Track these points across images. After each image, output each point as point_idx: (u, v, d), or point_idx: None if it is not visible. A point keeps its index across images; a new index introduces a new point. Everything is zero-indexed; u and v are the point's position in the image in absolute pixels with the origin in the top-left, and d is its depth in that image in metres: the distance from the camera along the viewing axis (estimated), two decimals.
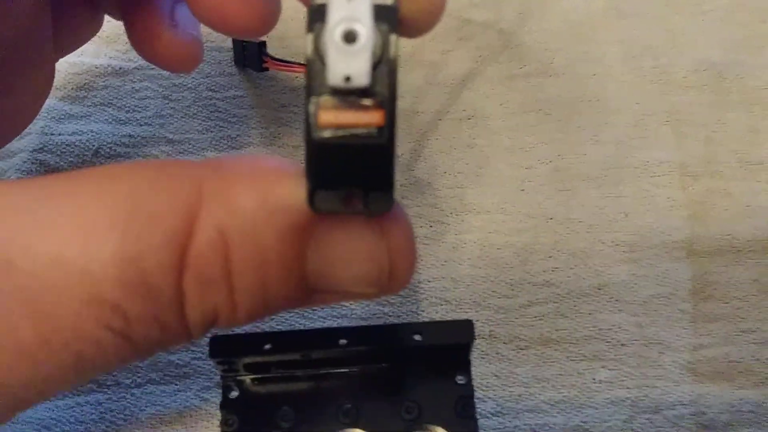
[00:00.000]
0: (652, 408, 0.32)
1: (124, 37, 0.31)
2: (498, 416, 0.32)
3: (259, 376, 0.26)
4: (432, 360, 0.26)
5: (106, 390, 0.32)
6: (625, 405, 0.32)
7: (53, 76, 0.31)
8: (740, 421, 0.31)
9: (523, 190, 0.36)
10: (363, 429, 0.26)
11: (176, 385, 0.32)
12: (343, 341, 0.25)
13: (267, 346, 0.25)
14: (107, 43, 0.40)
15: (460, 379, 0.26)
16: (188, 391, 0.32)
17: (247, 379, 0.26)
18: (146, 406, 0.32)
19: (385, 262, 0.20)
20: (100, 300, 0.18)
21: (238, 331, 0.25)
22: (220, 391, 0.32)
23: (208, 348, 0.25)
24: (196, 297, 0.19)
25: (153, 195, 0.18)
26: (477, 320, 0.33)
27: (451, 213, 0.36)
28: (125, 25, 0.31)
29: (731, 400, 0.32)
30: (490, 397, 0.32)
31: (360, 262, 0.20)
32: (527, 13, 0.40)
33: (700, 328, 0.33)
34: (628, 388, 0.32)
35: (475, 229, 0.35)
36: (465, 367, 0.26)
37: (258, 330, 0.26)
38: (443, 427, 0.26)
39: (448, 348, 0.25)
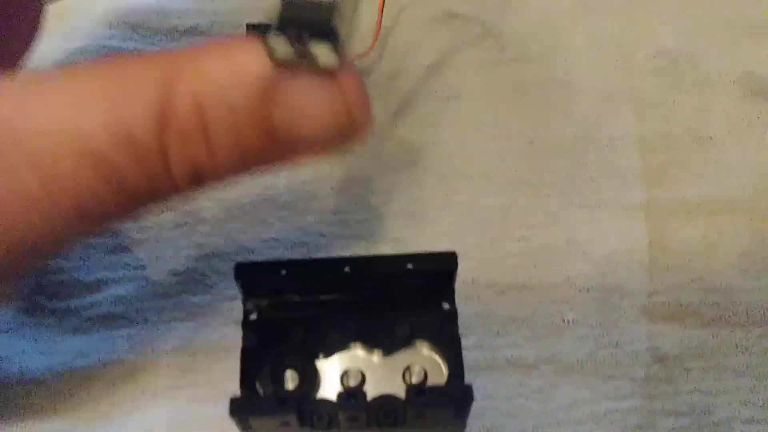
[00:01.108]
0: (613, 344, 0.35)
1: None
2: (478, 349, 0.35)
3: (275, 300, 0.29)
4: (422, 288, 0.29)
5: (136, 325, 0.35)
6: (588, 341, 0.35)
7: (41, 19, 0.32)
8: (689, 355, 0.35)
9: (502, 159, 0.39)
10: (363, 343, 0.29)
11: (198, 322, 0.36)
12: (347, 269, 0.28)
13: (283, 271, 0.28)
14: None
15: (446, 305, 0.29)
16: (208, 328, 0.35)
17: (265, 303, 0.29)
18: (171, 340, 0.35)
19: (342, 108, 0.22)
20: (93, 154, 0.21)
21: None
22: (238, 328, 0.35)
23: (233, 272, 0.28)
24: (178, 151, 0.21)
25: (136, 72, 0.21)
26: (461, 269, 0.36)
27: (440, 178, 0.39)
28: None
29: (681, 338, 0.35)
30: (472, 333, 0.35)
31: (319, 110, 0.22)
32: (507, 6, 0.43)
33: (655, 278, 0.36)
34: (592, 327, 0.35)
35: (461, 192, 0.39)
36: (450, 295, 0.29)
37: (274, 260, 0.29)
38: (431, 342, 0.29)
39: (436, 274, 0.29)
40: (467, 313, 0.35)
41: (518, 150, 0.40)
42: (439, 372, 0.29)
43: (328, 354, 0.29)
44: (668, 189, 0.38)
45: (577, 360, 0.35)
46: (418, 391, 0.26)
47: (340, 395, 0.26)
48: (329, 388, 0.29)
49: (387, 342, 0.29)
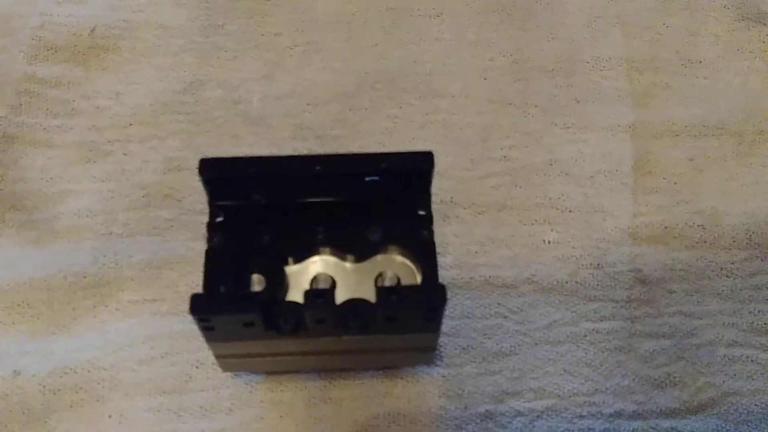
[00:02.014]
0: (594, 265, 0.33)
1: None
2: (456, 268, 0.33)
3: (243, 202, 0.27)
4: (397, 194, 0.27)
5: (100, 237, 0.33)
6: (570, 262, 0.33)
7: None
8: (672, 277, 0.33)
9: (485, 78, 0.37)
10: (334, 249, 0.27)
11: (165, 236, 0.33)
12: (318, 168, 0.26)
13: (250, 168, 0.26)
14: None
15: (421, 212, 0.27)
16: (175, 242, 0.33)
17: (232, 205, 0.27)
18: (136, 253, 0.33)
19: None
20: None
21: (224, 155, 0.26)
22: (204, 243, 0.33)
23: (198, 168, 0.25)
24: None
25: None
26: (440, 189, 0.34)
27: (420, 96, 0.37)
28: None
29: (665, 260, 0.33)
30: (449, 253, 0.33)
31: None
32: None
33: (640, 199, 0.34)
34: (573, 247, 0.33)
35: (441, 110, 0.36)
36: (426, 201, 0.27)
37: (242, 155, 0.26)
38: (404, 247, 0.27)
39: (411, 174, 0.26)
40: (445, 233, 0.33)
41: (501, 69, 0.37)
42: (413, 280, 0.27)
43: (298, 259, 0.27)
44: (655, 111, 0.36)
45: (557, 280, 0.32)
46: (390, 292, 0.24)
47: (307, 294, 0.24)
48: (298, 295, 0.26)
49: (359, 248, 0.27)
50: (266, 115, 0.36)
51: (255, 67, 0.37)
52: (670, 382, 0.31)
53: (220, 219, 0.27)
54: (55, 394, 0.30)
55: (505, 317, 0.32)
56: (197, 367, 0.30)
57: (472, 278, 0.32)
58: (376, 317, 0.24)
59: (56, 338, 0.31)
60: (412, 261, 0.27)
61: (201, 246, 0.30)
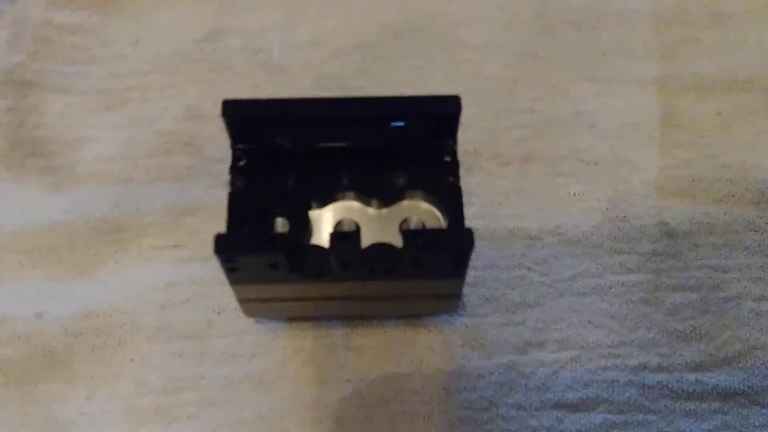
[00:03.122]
0: (620, 217, 0.32)
1: None
2: (480, 219, 0.32)
3: (266, 146, 0.26)
4: (423, 138, 0.26)
5: (120, 183, 0.32)
6: (595, 213, 0.32)
7: None
8: (699, 231, 0.32)
9: (510, 30, 0.36)
10: (359, 194, 0.26)
11: (185, 183, 0.32)
12: (343, 111, 0.25)
13: (275, 110, 0.25)
14: None
15: (447, 158, 0.26)
16: (196, 189, 0.32)
17: (255, 148, 0.26)
18: (158, 200, 0.32)
19: None
20: None
21: (247, 97, 0.25)
22: (225, 190, 0.32)
23: (220, 109, 0.25)
24: None
25: None
26: (464, 139, 0.33)
27: (443, 47, 0.36)
28: None
29: (692, 213, 0.32)
30: (473, 203, 0.32)
31: None
32: None
33: (667, 153, 0.33)
34: (599, 200, 0.32)
35: (466, 62, 0.35)
36: (452, 146, 0.26)
37: (265, 98, 0.26)
38: (430, 193, 0.26)
39: (438, 118, 0.25)
40: (470, 183, 0.33)
41: (527, 21, 0.36)
42: (437, 225, 0.26)
43: (322, 204, 0.26)
44: (682, 65, 0.35)
45: (582, 233, 0.32)
46: (416, 235, 0.23)
47: (333, 237, 0.23)
48: (323, 240, 0.26)
49: (384, 193, 0.26)
50: (287, 65, 0.35)
51: (275, 17, 0.36)
52: (696, 335, 0.30)
53: (242, 162, 0.26)
54: (76, 337, 0.29)
55: (529, 268, 0.31)
56: (219, 314, 0.30)
57: (496, 229, 0.32)
58: (402, 261, 0.24)
59: (78, 282, 0.30)
60: (437, 207, 0.26)
61: (221, 194, 0.29)
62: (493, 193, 0.32)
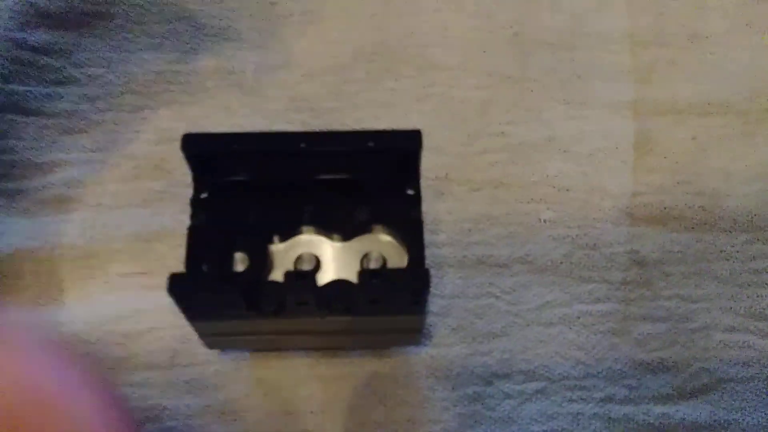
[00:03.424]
0: (590, 245, 0.32)
1: None
2: (449, 246, 0.32)
3: (227, 179, 0.26)
4: (385, 172, 0.26)
5: (89, 209, 0.32)
6: (565, 242, 0.32)
7: None
8: (670, 259, 0.31)
9: (484, 51, 0.36)
10: (320, 228, 0.26)
11: (154, 208, 0.32)
12: (303, 144, 0.25)
13: (234, 145, 0.25)
14: None
15: (410, 191, 0.26)
16: (165, 215, 0.32)
17: (216, 181, 0.26)
18: (125, 226, 0.32)
19: None
20: None
21: (208, 130, 0.25)
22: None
23: (180, 143, 0.25)
24: None
25: None
26: (435, 164, 0.33)
27: (417, 69, 0.35)
28: None
29: (663, 241, 0.32)
30: (442, 230, 0.32)
31: None
32: None
33: (640, 179, 0.33)
34: (569, 227, 0.32)
35: (439, 83, 0.35)
36: (414, 180, 0.26)
37: (226, 132, 0.25)
38: (392, 227, 0.26)
39: (399, 154, 0.25)
40: (439, 209, 0.32)
41: (501, 42, 0.36)
42: (399, 260, 0.26)
43: (283, 238, 0.26)
44: (658, 88, 0.35)
45: (551, 261, 0.31)
46: (372, 275, 0.23)
47: (288, 276, 0.23)
48: (281, 275, 0.26)
49: (345, 227, 0.26)
50: (260, 87, 0.35)
51: (249, 37, 0.36)
52: (664, 366, 0.30)
53: (203, 195, 0.26)
54: None
55: (497, 297, 0.31)
56: (183, 343, 0.30)
57: (464, 256, 0.32)
58: (359, 300, 0.23)
59: (46, 311, 0.30)
60: (399, 241, 0.26)
61: (188, 220, 0.29)
62: (462, 220, 0.32)
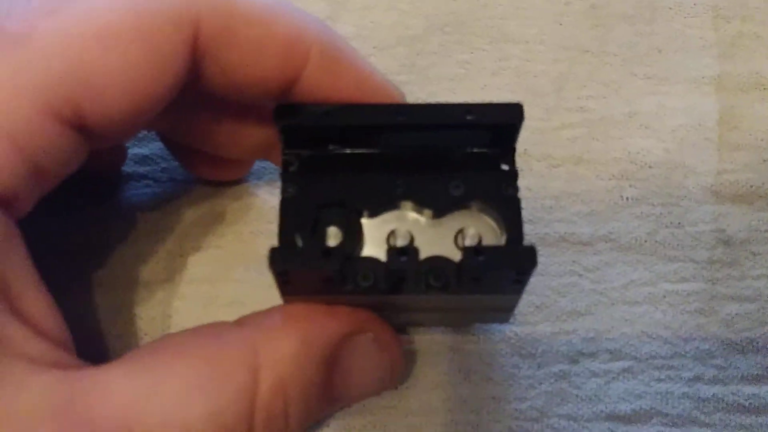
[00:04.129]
0: (675, 223, 0.31)
1: None
2: (529, 224, 0.31)
3: (318, 151, 0.26)
4: (480, 147, 0.25)
5: (161, 184, 0.32)
6: (649, 220, 0.31)
7: None
8: (757, 239, 0.31)
9: (560, 24, 0.35)
10: (413, 203, 0.26)
11: (227, 183, 0.32)
12: (400, 118, 0.24)
13: (328, 116, 0.24)
14: None
15: (505, 167, 0.26)
16: (239, 189, 0.32)
17: (306, 153, 0.26)
18: (198, 200, 0.32)
19: (387, 369, 0.26)
20: None
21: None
22: (270, 191, 0.32)
23: (272, 114, 0.24)
24: None
25: (223, 358, 0.22)
26: None
27: (491, 42, 0.35)
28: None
29: (750, 220, 0.31)
30: (523, 207, 0.31)
31: (371, 372, 0.26)
32: None
33: (725, 156, 0.32)
34: (653, 205, 0.32)
35: (514, 57, 0.35)
36: (510, 155, 0.26)
37: (319, 103, 0.25)
38: (487, 204, 0.25)
39: (498, 127, 0.25)
40: (520, 186, 0.32)
41: (578, 14, 0.35)
42: (494, 237, 0.26)
43: (374, 213, 0.26)
44: (742, 62, 0.34)
45: (636, 239, 0.31)
46: (476, 252, 0.23)
47: (390, 252, 0.23)
48: (374, 250, 0.25)
49: (439, 202, 0.25)
50: None
51: (319, 8, 0.36)
52: (753, 347, 0.29)
53: (293, 168, 0.26)
54: None
55: (581, 275, 0.30)
56: None
57: (546, 234, 0.31)
58: (461, 277, 0.23)
59: (124, 293, 0.30)
60: (494, 219, 0.26)
61: (265, 193, 0.29)
62: (543, 197, 0.32)
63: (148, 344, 0.24)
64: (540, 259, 0.30)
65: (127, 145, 0.32)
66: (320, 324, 0.24)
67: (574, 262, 0.31)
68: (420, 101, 0.34)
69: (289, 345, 0.23)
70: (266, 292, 0.28)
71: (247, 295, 0.30)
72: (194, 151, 0.29)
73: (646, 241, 0.31)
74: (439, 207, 0.26)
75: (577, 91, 0.34)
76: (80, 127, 0.22)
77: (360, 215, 0.26)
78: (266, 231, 0.31)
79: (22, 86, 0.20)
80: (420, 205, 0.26)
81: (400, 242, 0.26)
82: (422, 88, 0.34)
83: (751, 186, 0.32)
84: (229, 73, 0.23)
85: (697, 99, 0.34)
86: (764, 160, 0.32)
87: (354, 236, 0.25)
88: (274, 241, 0.24)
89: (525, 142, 0.32)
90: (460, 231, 0.26)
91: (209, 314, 0.29)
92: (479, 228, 0.26)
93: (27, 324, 0.21)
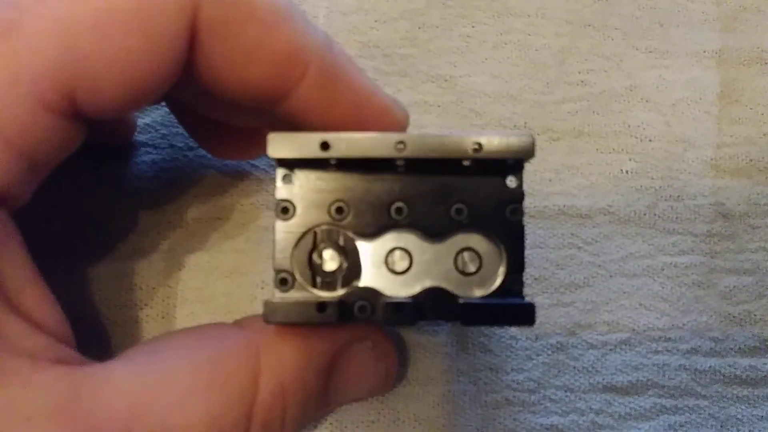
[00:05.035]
0: (674, 197, 0.32)
1: None
2: (530, 196, 0.32)
3: (315, 172, 0.25)
4: (485, 174, 0.25)
5: (161, 151, 0.32)
6: (648, 193, 0.32)
7: None
8: (756, 212, 0.31)
9: None
10: (412, 224, 0.25)
11: None
12: (403, 150, 0.24)
13: (326, 150, 0.24)
14: None
15: (511, 181, 0.25)
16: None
17: (303, 174, 0.25)
18: (200, 168, 0.32)
19: (382, 373, 0.26)
20: None
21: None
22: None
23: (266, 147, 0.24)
24: None
25: (225, 361, 0.22)
26: (513, 113, 0.33)
27: (494, 15, 0.35)
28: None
29: (749, 194, 0.32)
30: (522, 180, 0.32)
31: (366, 376, 0.26)
32: None
33: (725, 129, 0.33)
34: (652, 178, 0.32)
35: (516, 30, 0.35)
36: (518, 170, 0.25)
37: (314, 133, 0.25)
38: (489, 226, 0.25)
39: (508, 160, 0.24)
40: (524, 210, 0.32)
41: None
42: (494, 259, 0.25)
43: (374, 234, 0.25)
44: (744, 36, 0.34)
45: (635, 212, 0.31)
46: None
47: (385, 279, 0.23)
48: (372, 271, 0.25)
49: (439, 224, 0.25)
50: (332, 32, 0.35)
51: None
52: (750, 319, 0.30)
53: (290, 187, 0.25)
54: None
55: (579, 248, 0.31)
56: (262, 288, 0.30)
57: (545, 207, 0.32)
58: (457, 315, 0.24)
59: (123, 259, 0.31)
60: (496, 242, 0.25)
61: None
62: (543, 169, 0.32)
63: (150, 341, 0.24)
64: (539, 231, 0.31)
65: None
66: (321, 332, 0.24)
67: (573, 234, 0.31)
68: (420, 74, 0.34)
69: (290, 352, 0.23)
70: (265, 263, 0.29)
71: (247, 265, 0.30)
72: (203, 121, 0.29)
73: (645, 214, 0.31)
74: (440, 230, 0.25)
75: (579, 65, 0.34)
76: (75, 114, 0.21)
77: (359, 236, 0.25)
78: (266, 202, 0.31)
79: (12, 79, 0.20)
80: (419, 228, 0.25)
81: (399, 264, 0.25)
82: (424, 62, 0.34)
83: (751, 160, 0.32)
84: (218, 70, 0.22)
85: (698, 73, 0.34)
86: (764, 134, 0.33)
87: (351, 259, 0.25)
88: (273, 215, 0.24)
89: (524, 115, 0.33)
90: (460, 252, 0.25)
91: (209, 285, 0.30)
92: (480, 248, 0.25)
93: (26, 320, 0.21)
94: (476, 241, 0.25)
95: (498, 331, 0.30)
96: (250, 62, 0.22)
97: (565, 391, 0.29)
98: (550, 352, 0.29)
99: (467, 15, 0.35)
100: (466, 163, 0.24)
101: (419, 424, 0.28)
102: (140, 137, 0.32)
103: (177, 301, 0.30)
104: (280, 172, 0.25)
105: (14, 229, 0.22)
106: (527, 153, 0.24)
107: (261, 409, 0.22)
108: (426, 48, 0.35)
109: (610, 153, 0.32)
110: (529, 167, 0.31)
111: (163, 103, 0.32)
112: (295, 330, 0.24)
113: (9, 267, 0.21)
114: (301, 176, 0.25)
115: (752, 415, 0.29)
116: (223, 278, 0.30)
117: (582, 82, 0.34)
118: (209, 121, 0.29)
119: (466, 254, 0.25)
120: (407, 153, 0.24)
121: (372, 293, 0.23)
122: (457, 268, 0.25)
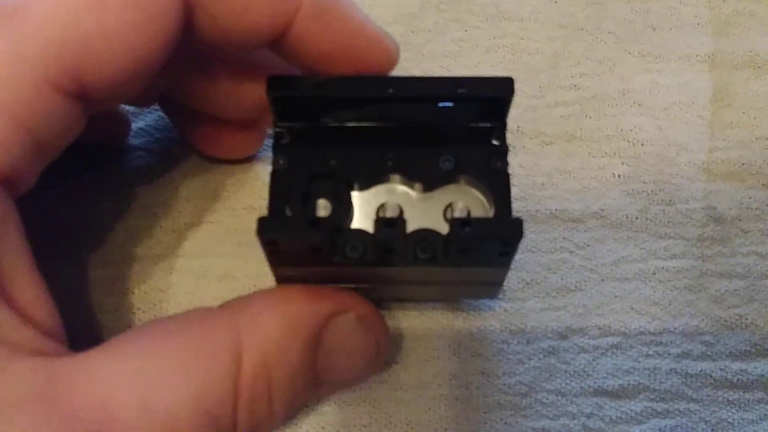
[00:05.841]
0: (666, 201, 0.32)
1: None
2: (521, 201, 0.32)
3: (310, 124, 0.26)
4: (470, 121, 0.26)
5: (153, 155, 0.33)
6: (640, 197, 0.32)
7: None
8: (748, 216, 0.32)
9: (555, 1, 0.36)
10: (402, 176, 0.26)
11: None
12: (390, 90, 0.25)
13: (320, 88, 0.25)
14: None
15: (495, 142, 0.26)
16: (233, 164, 0.33)
17: (298, 126, 0.26)
18: (192, 174, 0.33)
19: (373, 349, 0.26)
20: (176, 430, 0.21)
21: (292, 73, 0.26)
22: (265, 165, 0.32)
23: (266, 85, 0.25)
24: (245, 418, 0.22)
25: (205, 341, 0.22)
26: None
27: (487, 19, 0.35)
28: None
29: (741, 198, 0.32)
30: (514, 184, 0.32)
31: (356, 351, 0.26)
32: None
33: (717, 133, 0.33)
34: (644, 182, 0.32)
35: (509, 34, 0.35)
36: (501, 130, 0.26)
37: (311, 75, 0.26)
38: (476, 178, 0.26)
39: (489, 101, 0.25)
40: (511, 163, 0.32)
41: None
42: (483, 211, 0.26)
43: (364, 186, 0.27)
44: (736, 40, 0.35)
45: (626, 216, 0.32)
46: (462, 224, 0.23)
47: (377, 223, 0.24)
48: (364, 222, 0.26)
49: (429, 176, 0.26)
50: None
51: None
52: (741, 323, 0.30)
53: (285, 141, 0.26)
54: None
55: (571, 252, 0.31)
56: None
57: (537, 211, 0.32)
58: (448, 249, 0.24)
59: (119, 267, 0.31)
60: (483, 193, 0.26)
61: (261, 168, 0.30)
62: (535, 174, 0.33)
63: (130, 330, 0.24)
64: (530, 235, 0.31)
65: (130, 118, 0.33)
66: (302, 305, 0.24)
67: (564, 238, 0.31)
68: None
69: (271, 327, 0.23)
70: (258, 267, 0.29)
71: (239, 269, 0.31)
72: (196, 119, 0.29)
73: (637, 218, 0.32)
74: (429, 180, 0.26)
75: (572, 68, 0.34)
76: (80, 95, 0.22)
77: (350, 188, 0.27)
78: (259, 207, 0.32)
79: (20, 60, 0.21)
80: (410, 178, 0.26)
81: (390, 215, 0.26)
82: (417, 66, 0.35)
83: (743, 164, 0.33)
84: (220, 21, 0.23)
85: (690, 77, 0.34)
86: (756, 138, 0.33)
87: (343, 208, 0.26)
88: (265, 215, 0.25)
89: (518, 119, 0.33)
90: (450, 205, 0.27)
91: (201, 288, 0.30)
92: (468, 202, 0.27)
93: (15, 310, 0.21)
94: (464, 192, 0.26)
95: (489, 334, 0.30)
96: (247, 7, 0.23)
97: (557, 395, 0.29)
98: (541, 356, 0.30)
99: (460, 19, 0.35)
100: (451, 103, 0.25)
101: (411, 428, 0.29)
102: (133, 141, 0.33)
103: (169, 306, 0.30)
104: (278, 120, 0.26)
105: (16, 216, 0.22)
106: (507, 91, 0.25)
107: (245, 386, 0.22)
108: (419, 52, 0.35)
109: (602, 157, 0.33)
110: (521, 171, 0.32)
111: (157, 107, 0.32)
112: (276, 303, 0.24)
113: (6, 256, 0.22)
114: (296, 131, 0.26)
115: (743, 419, 0.29)
116: (215, 282, 0.30)
117: (575, 86, 0.34)
118: (202, 117, 0.29)
119: (455, 204, 0.26)
120: (395, 92, 0.25)
121: (363, 235, 0.24)
122: (446, 218, 0.26)
